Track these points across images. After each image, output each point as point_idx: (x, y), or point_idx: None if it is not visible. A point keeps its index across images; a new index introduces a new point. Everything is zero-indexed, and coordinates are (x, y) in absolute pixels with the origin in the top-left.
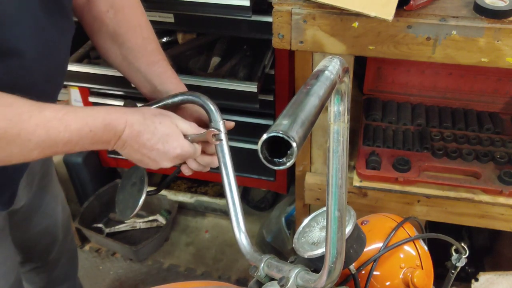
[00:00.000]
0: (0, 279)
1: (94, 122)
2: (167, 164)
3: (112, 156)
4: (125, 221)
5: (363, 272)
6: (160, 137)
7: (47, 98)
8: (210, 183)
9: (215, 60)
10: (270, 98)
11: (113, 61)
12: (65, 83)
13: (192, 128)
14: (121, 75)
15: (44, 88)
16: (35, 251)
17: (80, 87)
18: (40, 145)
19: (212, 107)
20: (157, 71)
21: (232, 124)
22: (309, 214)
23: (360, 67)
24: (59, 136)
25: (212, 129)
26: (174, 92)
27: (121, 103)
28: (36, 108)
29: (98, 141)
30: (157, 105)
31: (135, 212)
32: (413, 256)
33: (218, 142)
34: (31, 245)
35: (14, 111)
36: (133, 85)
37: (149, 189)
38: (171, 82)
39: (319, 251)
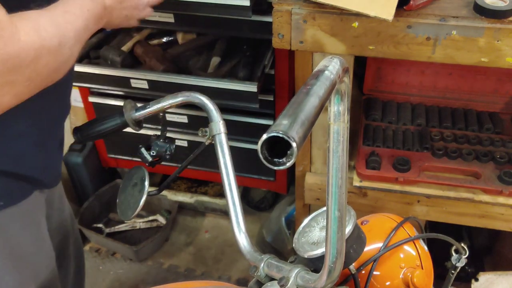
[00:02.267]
0: (43, 258)
1: (85, 2)
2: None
3: (112, 156)
4: (125, 221)
5: (363, 272)
6: None
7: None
8: (210, 183)
9: (215, 60)
10: (270, 98)
11: None
12: None
13: None
14: (122, 75)
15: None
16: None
17: (80, 87)
18: (75, 38)
19: (212, 107)
20: None
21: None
22: (309, 214)
23: (360, 67)
24: (78, 25)
25: None
26: None
27: (121, 103)
28: (51, 12)
29: (97, 17)
30: (157, 105)
31: (136, 212)
32: (413, 256)
33: None
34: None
35: (50, 18)
36: (133, 85)
37: (150, 189)
38: None
39: (319, 251)
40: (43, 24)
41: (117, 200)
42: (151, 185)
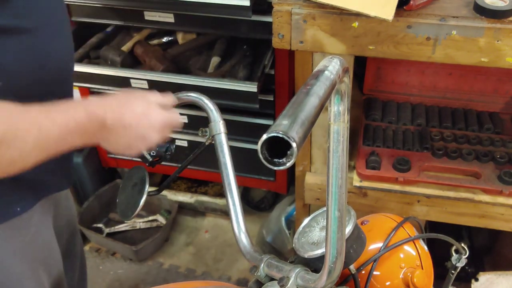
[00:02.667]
0: (53, 259)
1: (78, 114)
2: (155, 136)
3: (112, 156)
4: (125, 221)
5: (363, 272)
6: (141, 111)
7: (63, 79)
8: (210, 183)
9: (215, 60)
10: (270, 98)
11: None
12: None
13: (160, 97)
14: (122, 75)
15: (58, 67)
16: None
17: (80, 87)
18: (37, 144)
19: (212, 107)
20: None
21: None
22: (309, 214)
23: (360, 67)
24: (50, 133)
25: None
26: None
27: None
28: (23, 110)
29: (86, 133)
30: None
31: (136, 212)
32: (413, 256)
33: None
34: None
35: (6, 114)
36: (133, 85)
37: (150, 189)
38: None
39: (319, 251)
40: None
41: (117, 200)
42: (151, 185)
